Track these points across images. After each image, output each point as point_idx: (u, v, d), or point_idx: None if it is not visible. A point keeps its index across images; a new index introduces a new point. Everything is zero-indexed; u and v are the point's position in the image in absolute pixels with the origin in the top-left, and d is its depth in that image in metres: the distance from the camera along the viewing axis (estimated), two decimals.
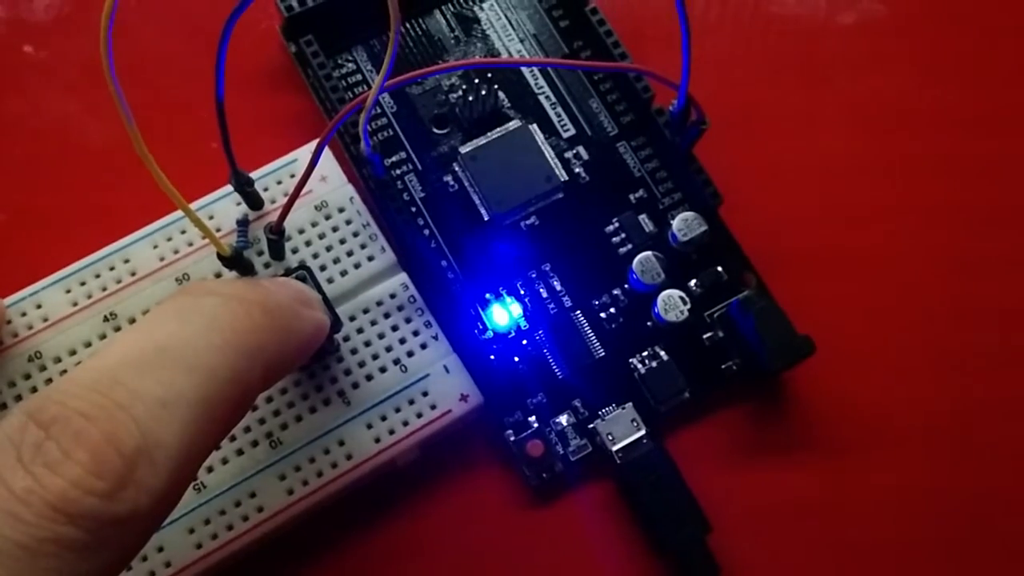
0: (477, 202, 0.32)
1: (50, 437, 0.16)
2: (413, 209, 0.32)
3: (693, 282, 0.31)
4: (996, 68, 0.36)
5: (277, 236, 0.27)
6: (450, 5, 0.34)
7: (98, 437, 0.16)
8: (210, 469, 0.27)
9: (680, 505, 0.28)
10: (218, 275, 0.28)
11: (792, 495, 0.30)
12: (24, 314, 0.28)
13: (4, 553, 0.15)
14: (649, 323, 0.31)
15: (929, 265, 0.33)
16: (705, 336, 0.31)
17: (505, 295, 0.31)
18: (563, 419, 0.30)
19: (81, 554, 0.16)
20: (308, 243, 0.29)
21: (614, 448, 0.29)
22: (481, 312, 0.31)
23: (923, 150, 0.35)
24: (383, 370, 0.28)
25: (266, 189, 0.29)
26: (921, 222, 0.34)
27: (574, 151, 0.33)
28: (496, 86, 0.33)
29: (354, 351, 0.28)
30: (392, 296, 0.29)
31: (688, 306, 0.30)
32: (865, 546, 0.30)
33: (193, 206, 0.24)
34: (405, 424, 0.28)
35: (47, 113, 0.33)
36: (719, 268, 0.31)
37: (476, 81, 0.32)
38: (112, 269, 0.28)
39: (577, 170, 0.33)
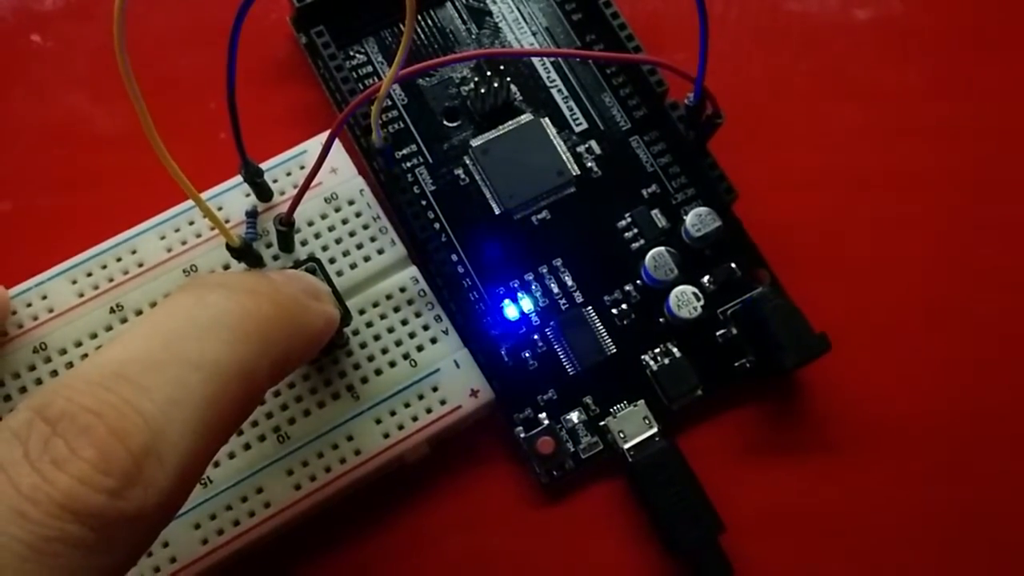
0: (488, 196, 0.31)
1: (57, 433, 0.16)
2: (423, 202, 0.31)
3: (706, 278, 0.31)
4: (1010, 61, 0.36)
5: (287, 228, 0.27)
6: None
7: (106, 433, 0.16)
8: (216, 464, 0.27)
9: (692, 504, 0.28)
10: (226, 267, 0.28)
11: (805, 494, 0.30)
12: (29, 305, 0.27)
13: (10, 552, 0.15)
14: (662, 319, 0.31)
15: (945, 264, 0.33)
16: (718, 333, 0.31)
17: (516, 290, 0.31)
18: (574, 416, 0.29)
19: (88, 553, 0.15)
20: (318, 235, 0.29)
21: (626, 446, 0.29)
22: (492, 307, 0.30)
23: (939, 147, 0.34)
24: (393, 364, 0.28)
25: (275, 180, 0.29)
26: (938, 220, 0.33)
27: (586, 145, 0.32)
28: (508, 79, 0.32)
29: (363, 345, 0.28)
30: (402, 290, 0.28)
31: (701, 302, 0.30)
32: (879, 546, 0.30)
33: (202, 197, 0.23)
34: (415, 419, 0.27)
35: (54, 103, 0.33)
36: (733, 264, 0.31)
37: (488, 74, 0.32)
38: (119, 260, 0.28)
39: (589, 164, 0.32)
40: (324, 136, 0.29)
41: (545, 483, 0.29)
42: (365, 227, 0.29)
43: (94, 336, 0.27)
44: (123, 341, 0.19)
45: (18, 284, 0.28)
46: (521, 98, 0.33)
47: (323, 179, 0.29)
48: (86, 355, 0.27)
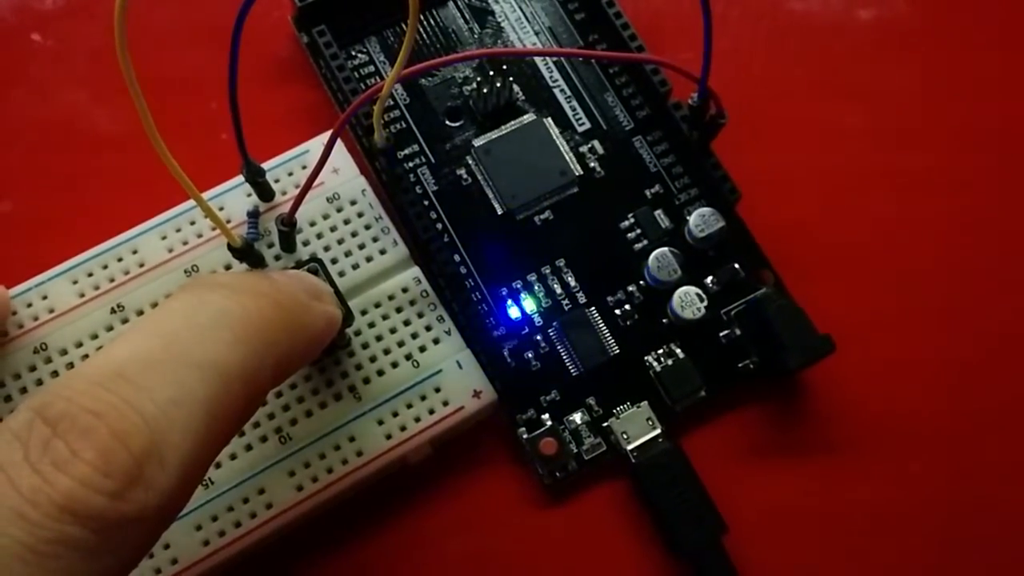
0: (491, 196, 0.31)
1: (57, 435, 0.16)
2: (426, 202, 0.31)
3: (710, 279, 0.31)
4: (1015, 62, 0.36)
5: (288, 228, 0.26)
6: None
7: (106, 435, 0.16)
8: (218, 465, 0.27)
9: (696, 505, 0.28)
10: (228, 267, 0.28)
11: (809, 495, 0.30)
12: (30, 305, 0.27)
13: (10, 553, 0.15)
14: (665, 320, 0.30)
15: (949, 264, 0.33)
16: (722, 334, 0.30)
17: (519, 290, 0.30)
18: (577, 417, 0.29)
19: (88, 555, 0.15)
20: (320, 235, 0.28)
21: (629, 447, 0.29)
22: (494, 307, 0.30)
23: (943, 148, 0.34)
24: (395, 365, 0.28)
25: (277, 180, 0.29)
26: (942, 221, 0.33)
27: (589, 145, 0.32)
28: (511, 79, 0.32)
29: (365, 345, 0.28)
30: (405, 290, 0.28)
31: (705, 303, 0.30)
32: (882, 547, 0.29)
33: (203, 196, 0.23)
34: (417, 420, 0.27)
35: (55, 102, 0.33)
36: (736, 265, 0.31)
37: (491, 73, 0.32)
38: (120, 260, 0.28)
39: (592, 164, 0.32)
40: (326, 136, 0.29)
41: (548, 484, 0.29)
42: (367, 227, 0.29)
43: (95, 336, 0.27)
44: (124, 341, 0.19)
45: (19, 284, 0.27)
46: (524, 98, 0.33)
47: (325, 179, 0.29)
48: (87, 355, 0.27)
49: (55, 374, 0.27)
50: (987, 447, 0.31)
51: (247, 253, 0.26)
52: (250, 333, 0.20)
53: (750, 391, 0.31)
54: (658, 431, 0.29)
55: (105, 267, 0.28)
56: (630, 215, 0.32)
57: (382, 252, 0.29)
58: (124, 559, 0.16)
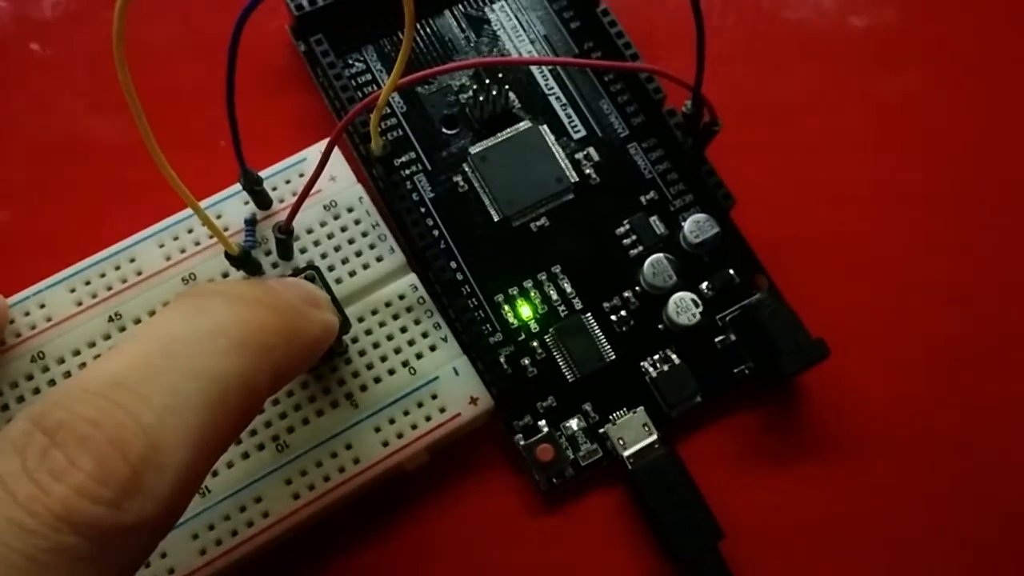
0: (487, 203, 0.31)
1: (55, 444, 0.16)
2: (422, 210, 0.31)
3: (704, 285, 0.31)
4: (1006, 69, 0.36)
5: (286, 235, 0.26)
6: (460, 6, 0.34)
7: (104, 443, 0.16)
8: (215, 473, 0.27)
9: (692, 511, 0.28)
10: (225, 275, 0.28)
11: (805, 500, 0.30)
12: (27, 313, 0.27)
13: (8, 563, 0.15)
14: (660, 326, 0.31)
15: (943, 269, 0.33)
16: (717, 339, 0.31)
17: (515, 297, 0.31)
18: (573, 423, 0.29)
19: (86, 563, 0.15)
20: (317, 243, 0.29)
21: (625, 453, 0.29)
22: (491, 314, 0.30)
23: (936, 153, 0.34)
24: (392, 372, 0.28)
25: (275, 188, 0.29)
26: (935, 227, 0.33)
27: (584, 152, 0.32)
28: (507, 87, 0.32)
29: (362, 353, 0.28)
30: (401, 297, 0.28)
31: (700, 309, 0.30)
32: (879, 552, 0.29)
33: (201, 205, 0.23)
34: (414, 427, 0.27)
35: (52, 111, 0.33)
36: (731, 271, 0.31)
37: (487, 81, 0.32)
38: (117, 268, 0.28)
39: (587, 171, 0.32)
40: (323, 144, 0.29)
41: (545, 490, 0.29)
42: (364, 235, 0.29)
43: (92, 345, 0.27)
44: (121, 350, 0.19)
45: (17, 293, 0.27)
46: (519, 105, 0.33)
47: (322, 187, 0.29)
48: (84, 364, 0.27)
49: (52, 383, 0.27)
50: (983, 450, 0.31)
51: (244, 261, 0.26)
52: (247, 341, 0.20)
53: (746, 396, 0.31)
54: (654, 437, 0.29)
55: (103, 276, 0.28)
56: (625, 221, 0.32)
57: (379, 259, 0.29)
58: (121, 567, 0.16)
